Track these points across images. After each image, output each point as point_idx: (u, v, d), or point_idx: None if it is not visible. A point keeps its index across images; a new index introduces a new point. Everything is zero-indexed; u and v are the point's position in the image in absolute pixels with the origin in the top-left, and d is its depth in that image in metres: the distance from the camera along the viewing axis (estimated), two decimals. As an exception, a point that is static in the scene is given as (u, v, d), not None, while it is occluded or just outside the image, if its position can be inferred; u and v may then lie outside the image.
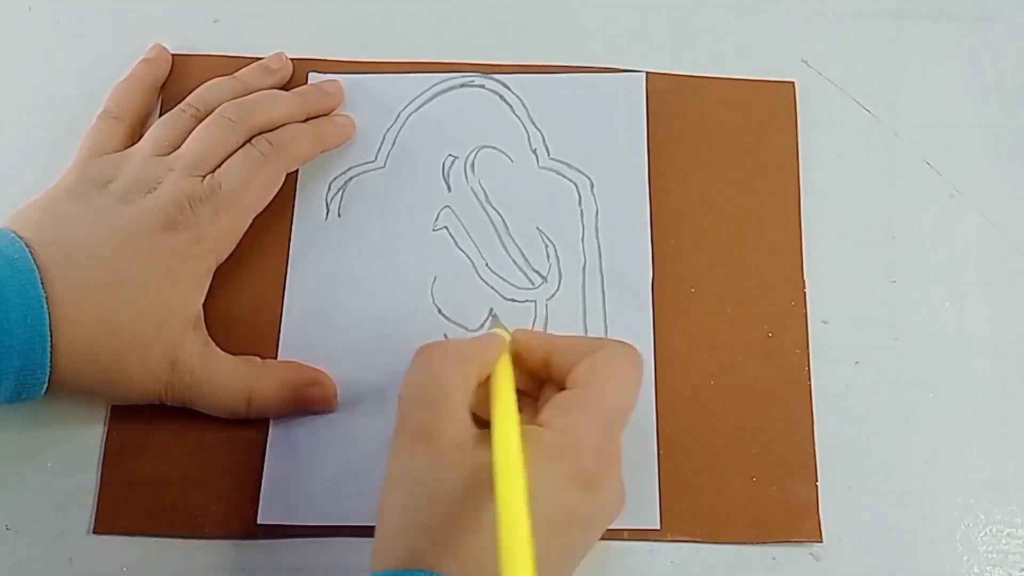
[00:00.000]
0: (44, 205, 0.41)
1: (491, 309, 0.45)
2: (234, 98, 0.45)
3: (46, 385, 0.39)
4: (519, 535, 0.31)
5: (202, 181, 0.42)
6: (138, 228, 0.40)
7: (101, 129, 0.45)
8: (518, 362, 0.39)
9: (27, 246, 0.38)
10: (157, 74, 0.48)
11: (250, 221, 0.43)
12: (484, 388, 0.38)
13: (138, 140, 0.44)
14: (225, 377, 0.41)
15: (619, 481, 0.37)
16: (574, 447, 0.35)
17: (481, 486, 0.33)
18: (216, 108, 0.44)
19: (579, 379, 0.37)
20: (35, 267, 0.38)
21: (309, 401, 0.42)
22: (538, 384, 0.40)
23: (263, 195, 0.44)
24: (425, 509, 0.34)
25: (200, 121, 0.44)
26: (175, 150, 0.43)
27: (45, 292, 0.38)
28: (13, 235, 0.39)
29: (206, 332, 0.42)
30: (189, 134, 0.43)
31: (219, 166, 0.43)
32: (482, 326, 0.45)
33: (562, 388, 0.38)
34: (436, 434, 0.35)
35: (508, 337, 0.40)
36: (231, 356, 0.42)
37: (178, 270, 0.40)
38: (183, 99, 0.45)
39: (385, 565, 0.34)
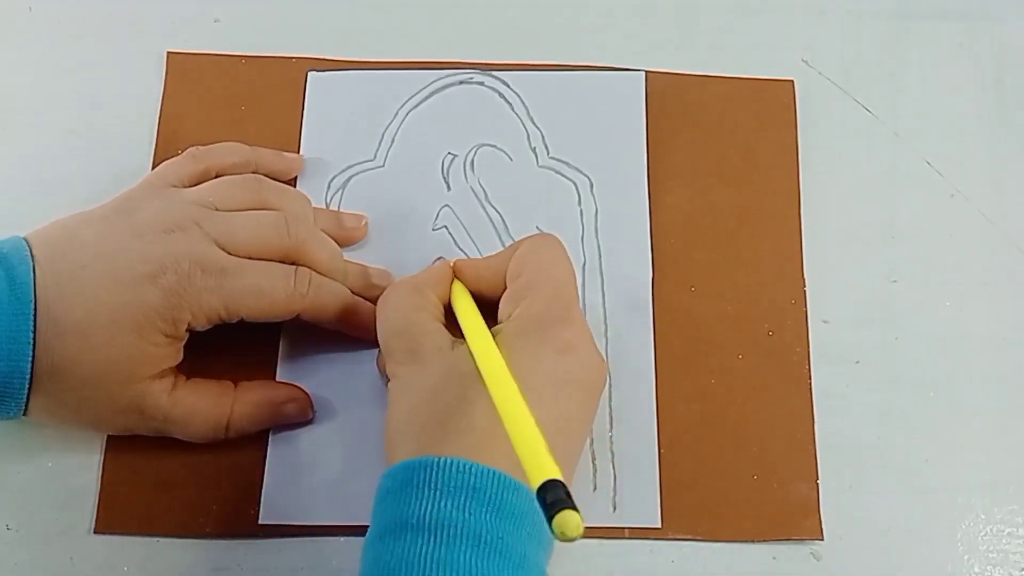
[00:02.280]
0: (71, 226, 0.40)
1: (439, 258, 0.45)
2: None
3: (23, 411, 0.39)
4: (512, 399, 0.34)
5: (224, 255, 0.40)
6: (127, 271, 0.38)
7: (178, 163, 0.44)
8: (474, 295, 0.42)
9: (34, 268, 0.38)
10: (279, 166, 0.46)
11: (235, 321, 0.40)
12: (450, 313, 0.41)
13: None
14: (200, 410, 0.41)
15: (595, 351, 0.40)
16: (536, 322, 0.38)
17: (466, 378, 0.36)
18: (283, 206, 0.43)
19: (514, 272, 0.40)
20: (32, 297, 0.38)
21: (286, 417, 0.43)
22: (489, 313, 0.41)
23: (264, 314, 0.41)
24: (423, 411, 0.37)
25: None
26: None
27: (34, 326, 0.37)
28: (27, 252, 0.38)
29: (174, 377, 0.41)
30: (246, 207, 0.42)
31: (251, 256, 0.41)
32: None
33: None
34: (418, 350, 0.38)
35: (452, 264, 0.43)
36: (204, 385, 0.42)
37: (144, 326, 0.38)
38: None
39: (393, 463, 0.35)
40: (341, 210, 0.47)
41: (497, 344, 0.37)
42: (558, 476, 0.29)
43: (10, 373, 0.37)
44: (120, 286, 0.38)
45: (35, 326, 0.37)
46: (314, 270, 0.42)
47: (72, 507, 0.42)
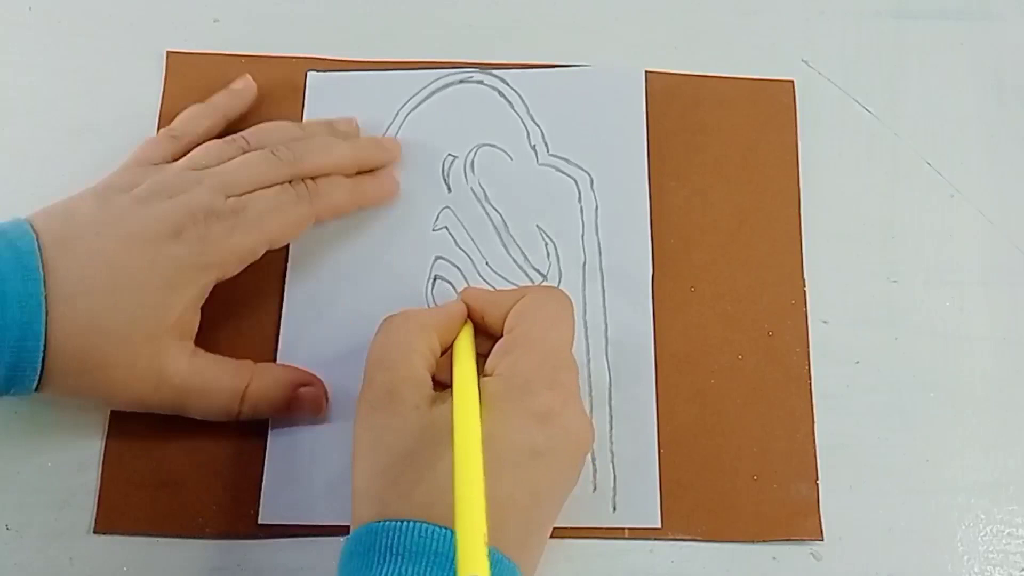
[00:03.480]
0: (67, 204, 0.41)
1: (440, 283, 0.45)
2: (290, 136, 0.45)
3: (36, 382, 0.38)
4: (472, 471, 0.33)
5: (232, 199, 0.41)
6: (144, 232, 0.39)
7: (154, 143, 0.45)
8: (478, 326, 0.42)
9: (37, 239, 0.38)
10: (236, 105, 0.47)
11: (262, 252, 0.42)
12: (448, 355, 0.40)
13: None
14: (217, 380, 0.41)
15: (581, 414, 0.38)
16: (521, 384, 0.37)
17: (439, 438, 0.35)
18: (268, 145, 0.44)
19: (511, 323, 0.40)
20: (39, 263, 0.38)
21: (301, 401, 0.42)
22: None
23: (285, 232, 0.43)
24: (389, 467, 0.36)
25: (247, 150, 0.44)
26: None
27: (46, 290, 0.38)
28: (28, 227, 0.39)
29: (193, 344, 0.41)
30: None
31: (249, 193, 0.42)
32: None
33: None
34: (396, 397, 0.37)
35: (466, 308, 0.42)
36: (223, 358, 0.42)
37: (177, 281, 0.40)
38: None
39: (359, 523, 0.35)
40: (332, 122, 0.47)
41: (480, 395, 0.36)
42: (484, 574, 0.30)
43: (23, 338, 0.37)
44: (143, 245, 0.39)
45: (46, 291, 0.37)
46: (326, 175, 0.44)
47: (72, 507, 0.42)
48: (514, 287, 0.45)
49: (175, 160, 0.44)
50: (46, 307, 0.37)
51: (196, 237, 0.40)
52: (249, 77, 0.48)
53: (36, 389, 0.39)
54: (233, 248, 0.41)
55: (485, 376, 0.38)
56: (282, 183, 0.43)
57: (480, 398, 0.36)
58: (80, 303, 0.38)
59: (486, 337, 0.41)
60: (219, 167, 0.42)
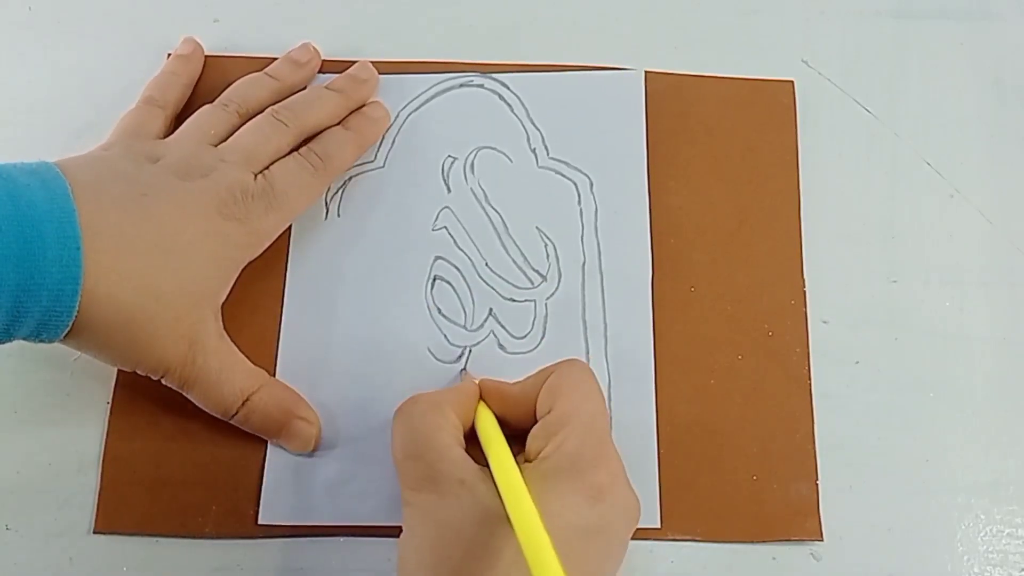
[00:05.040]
0: (97, 156, 0.41)
1: (463, 371, 0.44)
2: (273, 95, 0.46)
3: (68, 329, 0.37)
4: (544, 555, 0.32)
5: (254, 178, 0.42)
6: (196, 204, 0.40)
7: (144, 112, 0.45)
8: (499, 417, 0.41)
9: (70, 185, 0.37)
10: (192, 70, 0.48)
11: (288, 223, 0.44)
12: (472, 436, 0.39)
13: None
14: (233, 371, 0.41)
15: (629, 489, 0.38)
16: (570, 464, 0.36)
17: (492, 518, 0.34)
18: (256, 105, 0.45)
19: (545, 406, 0.39)
20: (74, 208, 0.37)
21: (292, 433, 0.42)
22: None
23: (306, 202, 0.44)
24: (444, 550, 0.35)
25: (243, 117, 0.44)
26: (222, 142, 0.43)
27: (83, 237, 0.37)
28: (57, 171, 0.38)
29: (221, 326, 0.42)
30: (234, 129, 0.44)
31: (268, 166, 0.43)
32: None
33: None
34: (438, 477, 0.36)
35: (477, 383, 0.42)
36: (243, 356, 0.42)
37: (223, 257, 0.41)
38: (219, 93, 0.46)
39: None
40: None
41: (525, 482, 0.35)
42: None
43: (62, 281, 0.36)
44: (194, 217, 0.39)
45: (83, 238, 0.36)
46: (328, 127, 0.45)
47: (72, 507, 0.42)
48: (534, 373, 0.41)
49: (168, 133, 0.44)
50: (85, 255, 0.37)
51: (241, 215, 0.41)
52: (194, 39, 0.49)
53: (65, 337, 0.38)
54: (269, 227, 0.42)
55: (527, 462, 0.37)
56: (291, 150, 0.44)
57: (526, 480, 0.35)
58: (126, 258, 0.38)
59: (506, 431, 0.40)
60: (235, 142, 0.43)
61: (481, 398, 0.41)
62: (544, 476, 0.36)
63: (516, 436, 0.39)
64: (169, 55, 0.49)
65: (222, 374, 0.41)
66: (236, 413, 0.41)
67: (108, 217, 0.38)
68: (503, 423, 0.40)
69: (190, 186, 0.40)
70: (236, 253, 0.41)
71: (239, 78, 0.47)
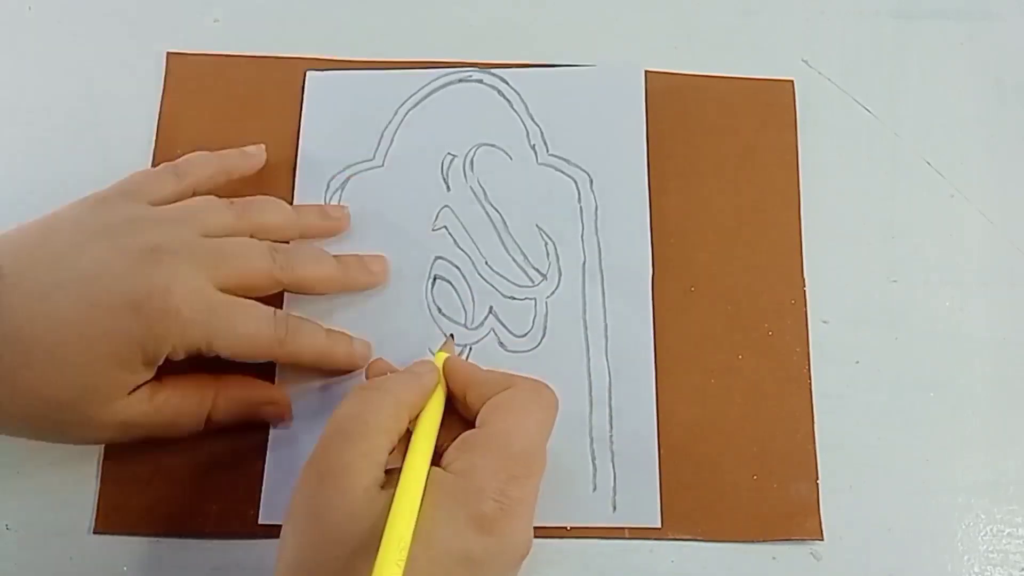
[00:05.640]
0: (36, 230, 0.39)
1: (451, 335, 0.44)
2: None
3: None
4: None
5: (212, 291, 0.39)
6: (105, 295, 0.37)
7: (156, 179, 0.43)
8: (454, 400, 0.40)
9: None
10: (241, 166, 0.45)
11: (212, 356, 0.40)
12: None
13: None
14: (184, 410, 0.41)
15: (525, 526, 0.36)
16: (470, 489, 0.35)
17: (376, 534, 0.33)
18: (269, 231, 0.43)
19: (483, 418, 0.37)
20: None
21: (264, 417, 0.43)
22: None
23: (246, 354, 0.41)
24: (322, 549, 0.34)
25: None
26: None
27: None
28: None
29: (151, 385, 0.40)
30: (231, 231, 0.42)
31: (238, 287, 0.40)
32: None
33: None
34: (347, 473, 0.35)
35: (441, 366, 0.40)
36: (184, 382, 0.41)
37: (126, 357, 0.38)
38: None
39: None
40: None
41: (427, 487, 0.34)
42: None
43: None
44: (99, 311, 0.37)
45: None
46: (307, 292, 0.43)
47: (72, 507, 0.42)
48: (504, 373, 0.40)
49: (173, 201, 0.42)
50: None
51: (156, 315, 0.38)
52: (263, 148, 0.46)
53: None
54: (187, 341, 0.38)
55: (440, 465, 0.36)
56: (267, 287, 0.41)
57: (428, 486, 0.35)
58: (27, 373, 0.37)
59: (456, 417, 0.40)
60: (216, 242, 0.40)
61: (449, 386, 0.40)
62: (443, 488, 0.35)
63: (467, 422, 0.39)
64: (169, 55, 0.49)
65: (175, 419, 0.41)
66: (205, 431, 0.42)
67: (27, 322, 0.36)
68: (461, 403, 0.39)
69: (120, 264, 0.38)
70: (140, 355, 0.38)
71: (239, 78, 0.47)
